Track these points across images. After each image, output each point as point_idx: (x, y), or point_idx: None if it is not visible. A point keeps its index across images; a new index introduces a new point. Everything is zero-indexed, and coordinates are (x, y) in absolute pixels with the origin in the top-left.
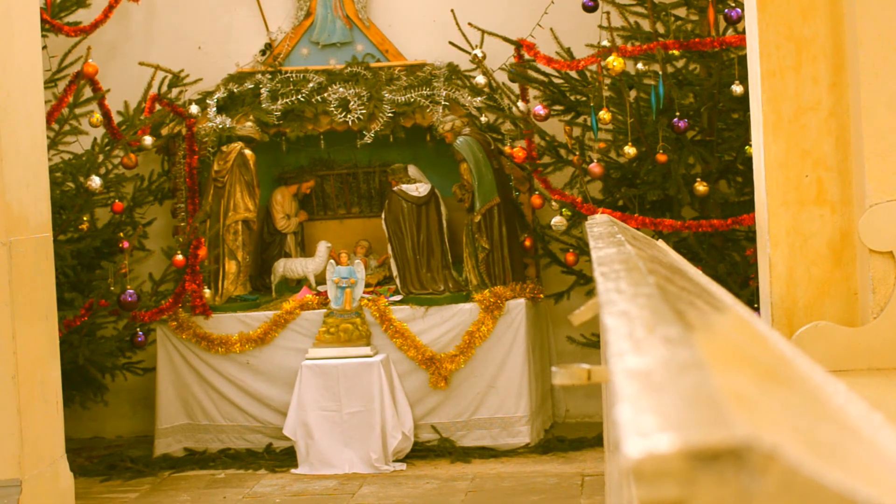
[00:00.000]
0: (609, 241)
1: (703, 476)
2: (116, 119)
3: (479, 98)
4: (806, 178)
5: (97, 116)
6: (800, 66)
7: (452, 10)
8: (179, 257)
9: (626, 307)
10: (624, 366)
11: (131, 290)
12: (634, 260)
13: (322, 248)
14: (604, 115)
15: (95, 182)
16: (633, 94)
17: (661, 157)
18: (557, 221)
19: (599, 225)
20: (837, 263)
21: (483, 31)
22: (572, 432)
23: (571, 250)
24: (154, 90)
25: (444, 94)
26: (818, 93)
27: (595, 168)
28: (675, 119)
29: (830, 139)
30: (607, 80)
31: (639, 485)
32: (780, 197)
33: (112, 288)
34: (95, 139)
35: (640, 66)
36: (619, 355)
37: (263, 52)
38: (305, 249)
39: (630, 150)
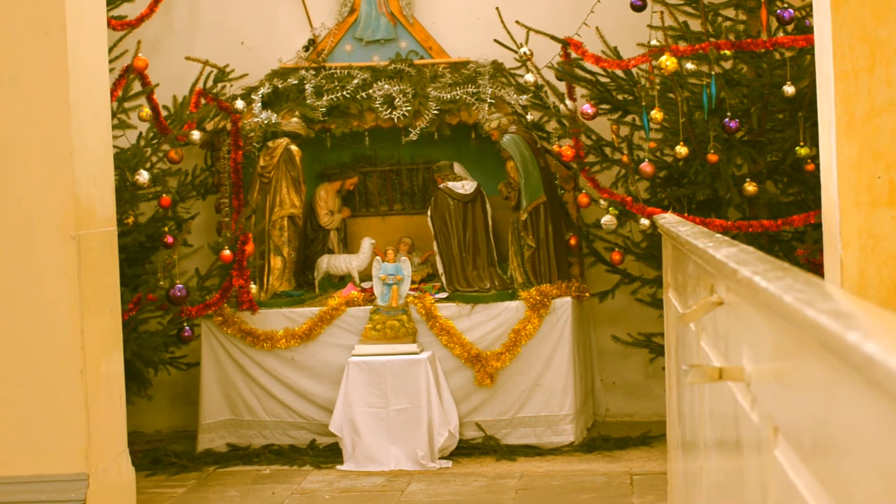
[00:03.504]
0: (717, 241)
1: None
2: (163, 113)
3: (525, 96)
4: (878, 180)
5: (146, 110)
6: (873, 68)
7: (497, 8)
8: (227, 252)
9: (832, 306)
10: None
11: (180, 285)
12: (771, 259)
13: (366, 244)
14: (656, 114)
15: (143, 176)
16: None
17: (713, 157)
18: (608, 220)
19: (682, 224)
20: None
21: (529, 29)
22: (613, 431)
23: (617, 249)
24: (199, 85)
25: (489, 91)
26: (892, 94)
27: (646, 167)
28: (727, 119)
29: None
30: (657, 80)
31: None
32: (852, 198)
33: (161, 283)
34: (141, 133)
35: (689, 65)
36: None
37: (307, 48)
38: (348, 246)
39: (682, 150)
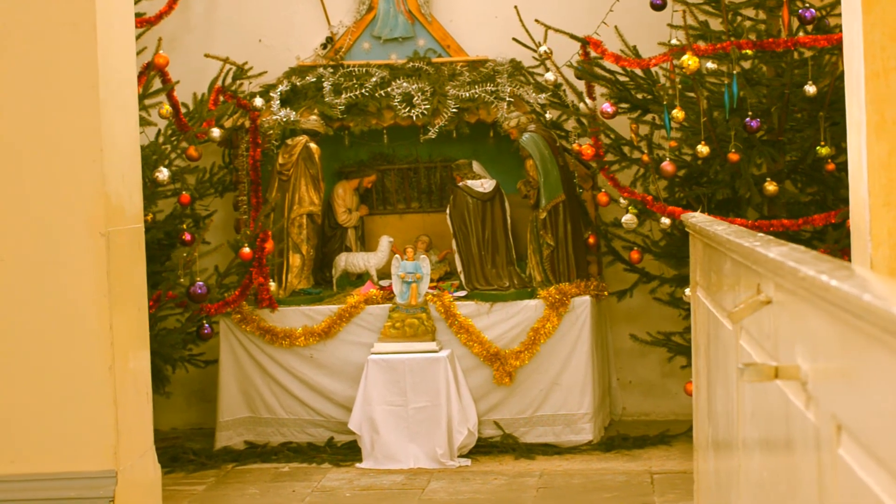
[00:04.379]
0: (764, 239)
1: None
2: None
3: (543, 95)
4: None
5: (167, 108)
6: None
7: (516, 7)
8: (246, 250)
9: None
10: None
11: (201, 283)
12: (828, 257)
13: (384, 242)
14: (677, 113)
15: (163, 174)
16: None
17: (734, 157)
18: (629, 219)
19: (717, 223)
20: None
21: (548, 28)
22: (630, 430)
23: (636, 248)
24: (218, 83)
25: (508, 90)
26: None
27: (667, 166)
28: (748, 119)
29: None
30: (677, 79)
31: None
32: (883, 198)
33: (181, 280)
34: (160, 130)
35: (709, 64)
36: None
37: (324, 46)
38: (365, 244)
39: (703, 150)
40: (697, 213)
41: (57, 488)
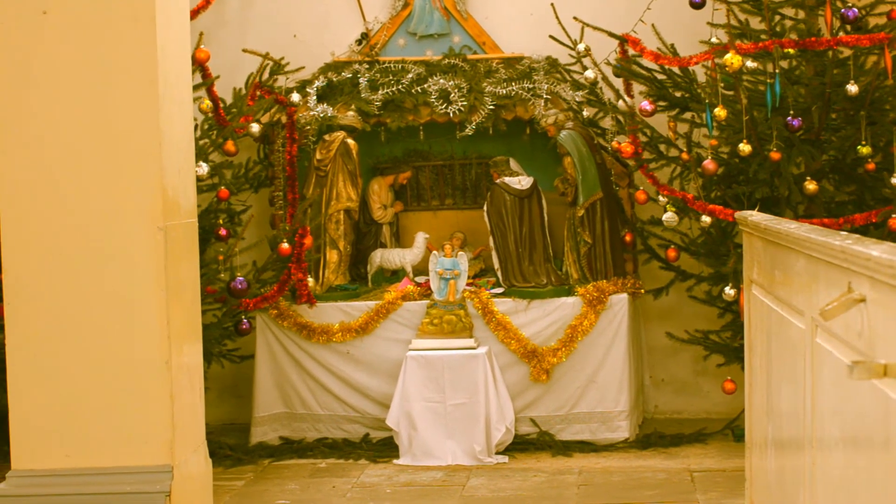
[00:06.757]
0: (857, 238)
1: None
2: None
3: (581, 92)
4: None
5: (207, 102)
6: None
7: (552, 4)
8: (285, 245)
9: None
10: None
11: (241, 278)
12: None
13: (420, 239)
14: (719, 112)
15: (203, 168)
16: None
17: (775, 156)
18: (669, 217)
19: (787, 222)
20: None
21: (585, 25)
22: (663, 428)
23: (673, 246)
24: (255, 78)
25: (545, 87)
26: None
27: (709, 165)
28: (790, 118)
29: None
30: (718, 77)
31: None
32: None
33: (221, 275)
34: (197, 125)
35: (749, 63)
36: None
37: (360, 42)
38: (400, 240)
39: (745, 148)
40: (755, 212)
41: (114, 482)
